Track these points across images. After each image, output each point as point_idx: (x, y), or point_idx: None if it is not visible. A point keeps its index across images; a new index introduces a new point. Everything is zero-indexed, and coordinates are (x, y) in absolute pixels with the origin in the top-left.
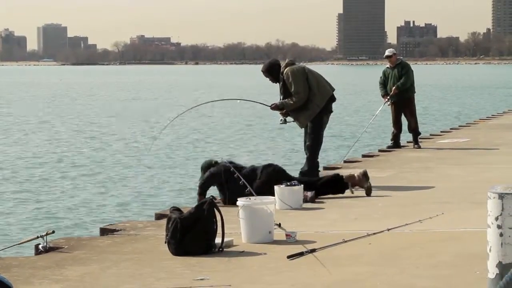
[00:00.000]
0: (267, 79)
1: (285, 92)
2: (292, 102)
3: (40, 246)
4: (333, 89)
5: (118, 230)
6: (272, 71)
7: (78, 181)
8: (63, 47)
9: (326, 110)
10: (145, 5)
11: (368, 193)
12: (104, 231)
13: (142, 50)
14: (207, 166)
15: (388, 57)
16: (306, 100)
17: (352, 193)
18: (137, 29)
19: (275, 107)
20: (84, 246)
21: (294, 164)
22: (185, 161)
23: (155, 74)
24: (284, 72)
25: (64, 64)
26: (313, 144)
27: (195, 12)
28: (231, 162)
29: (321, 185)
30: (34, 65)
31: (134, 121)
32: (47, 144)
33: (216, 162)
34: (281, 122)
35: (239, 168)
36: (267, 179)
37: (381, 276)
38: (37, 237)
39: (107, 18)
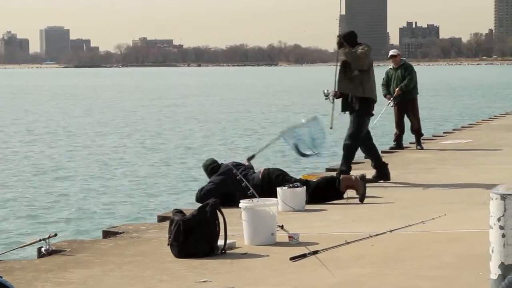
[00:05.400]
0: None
1: (346, 67)
2: (359, 53)
3: (42, 249)
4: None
5: (120, 233)
6: (350, 38)
7: (80, 184)
8: (66, 50)
9: (371, 113)
10: (147, 7)
11: (361, 200)
12: (106, 234)
13: (144, 52)
14: (210, 165)
15: (393, 56)
16: (361, 82)
17: (347, 199)
18: (139, 31)
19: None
20: (86, 249)
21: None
22: (188, 162)
23: (164, 77)
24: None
25: (66, 67)
26: (351, 145)
27: (197, 14)
28: (236, 165)
29: (315, 189)
30: (37, 67)
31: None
32: (48, 147)
33: (215, 162)
34: (325, 98)
35: (243, 169)
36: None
37: (384, 277)
38: (40, 240)
39: (109, 21)
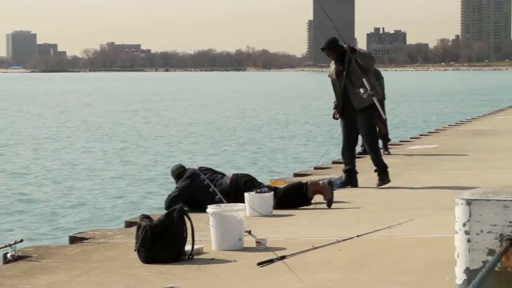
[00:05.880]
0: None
1: (349, 72)
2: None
3: (8, 255)
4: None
5: (87, 238)
6: (334, 46)
7: (46, 189)
8: (33, 54)
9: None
10: (115, 12)
11: (329, 205)
12: (73, 239)
13: (112, 57)
14: (176, 170)
15: None
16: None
17: (315, 205)
18: (107, 36)
19: (352, 48)
20: (53, 255)
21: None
22: (155, 167)
23: (133, 81)
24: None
25: (33, 71)
26: (374, 143)
27: (165, 19)
28: (204, 170)
29: (283, 195)
30: (3, 72)
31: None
32: (13, 151)
33: (183, 167)
34: (363, 94)
35: (210, 174)
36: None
37: (351, 282)
38: (5, 246)
39: (76, 25)
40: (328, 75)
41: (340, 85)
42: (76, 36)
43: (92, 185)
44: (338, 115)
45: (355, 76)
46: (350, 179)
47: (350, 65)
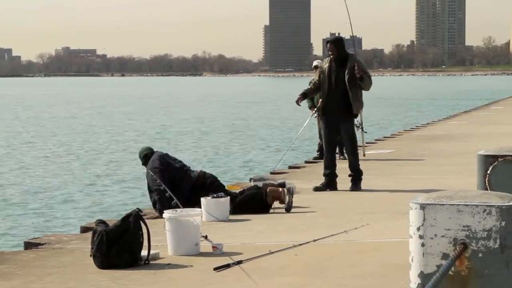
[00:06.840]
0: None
1: (352, 75)
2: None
3: None
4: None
5: (42, 244)
6: (340, 46)
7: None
8: None
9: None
10: (70, 17)
11: (287, 210)
12: (28, 245)
13: (67, 62)
14: (143, 151)
15: (316, 67)
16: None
17: (273, 209)
18: (62, 40)
19: (361, 76)
20: (7, 261)
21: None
22: (111, 174)
23: (88, 86)
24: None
25: None
26: (356, 150)
27: (121, 24)
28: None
29: (242, 201)
30: None
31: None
32: None
33: (150, 149)
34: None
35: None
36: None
37: (308, 286)
38: None
39: (31, 30)
40: (319, 71)
41: (329, 85)
42: (31, 40)
43: (46, 190)
44: (301, 101)
45: (354, 86)
46: (330, 183)
47: (352, 73)
